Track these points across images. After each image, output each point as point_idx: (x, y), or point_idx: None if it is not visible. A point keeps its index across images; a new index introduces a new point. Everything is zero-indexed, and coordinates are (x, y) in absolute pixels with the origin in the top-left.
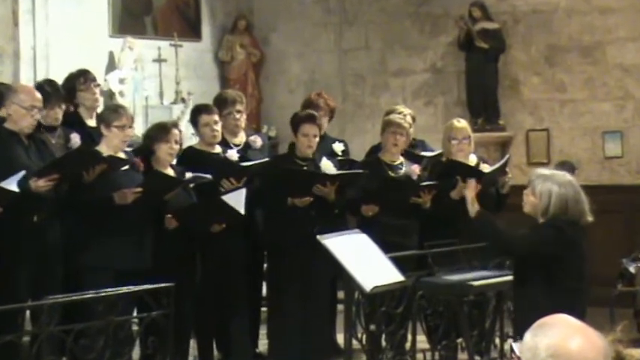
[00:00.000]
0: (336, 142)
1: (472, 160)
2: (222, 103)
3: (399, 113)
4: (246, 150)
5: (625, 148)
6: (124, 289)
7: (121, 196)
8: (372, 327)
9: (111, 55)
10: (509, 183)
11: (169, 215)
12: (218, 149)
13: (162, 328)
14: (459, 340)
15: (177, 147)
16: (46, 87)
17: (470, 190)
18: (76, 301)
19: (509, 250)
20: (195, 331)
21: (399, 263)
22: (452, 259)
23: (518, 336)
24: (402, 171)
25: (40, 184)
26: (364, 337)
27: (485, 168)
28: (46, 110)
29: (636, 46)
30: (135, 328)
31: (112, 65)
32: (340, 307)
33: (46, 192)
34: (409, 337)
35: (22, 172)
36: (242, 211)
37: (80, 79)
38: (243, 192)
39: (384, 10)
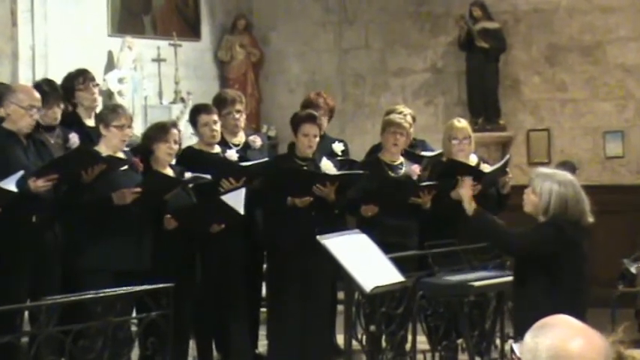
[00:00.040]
0: (336, 142)
1: (472, 160)
2: (221, 103)
3: (400, 113)
4: (245, 150)
5: (626, 148)
6: (123, 290)
7: (120, 196)
8: (372, 327)
9: (110, 55)
10: (510, 183)
11: (169, 215)
12: (217, 149)
13: (162, 328)
14: (460, 341)
15: (176, 147)
16: (44, 86)
17: (466, 189)
18: (74, 301)
19: (509, 248)
20: (194, 331)
21: (399, 264)
22: (452, 260)
23: (519, 337)
24: (402, 171)
25: (39, 184)
26: (364, 337)
27: (486, 168)
28: (45, 110)
29: (637, 45)
30: (134, 328)
31: (110, 65)
32: (340, 307)
33: (45, 192)
34: (409, 337)
35: (21, 172)
36: (241, 211)
37: (79, 78)
38: (242, 192)
39: (385, 9)
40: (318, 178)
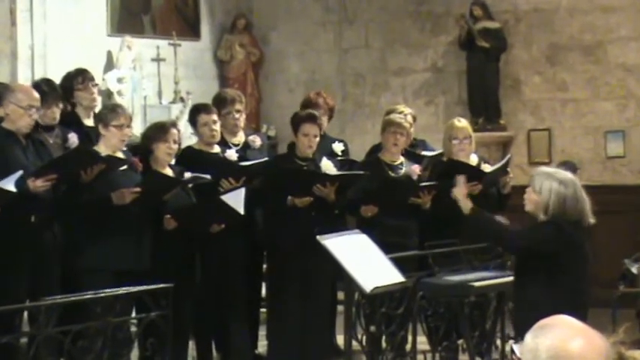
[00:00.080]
0: (336, 142)
1: (473, 160)
2: (221, 103)
3: (400, 113)
4: (245, 150)
5: (627, 147)
6: (123, 290)
7: (119, 196)
8: (373, 328)
9: (109, 55)
10: (511, 183)
11: (168, 216)
12: (217, 149)
13: (161, 329)
14: (460, 342)
15: (175, 147)
16: (42, 86)
17: (459, 188)
18: (74, 302)
19: (509, 246)
20: (194, 331)
21: (400, 264)
22: (453, 260)
23: (519, 337)
24: (403, 171)
25: (38, 184)
26: (364, 338)
27: (487, 168)
28: (44, 110)
29: (638, 45)
30: (133, 329)
31: (110, 64)
32: (340, 308)
33: (44, 192)
34: (409, 338)
35: (20, 172)
36: (241, 211)
37: (78, 78)
38: (242, 192)
39: (385, 8)
40: (318, 178)
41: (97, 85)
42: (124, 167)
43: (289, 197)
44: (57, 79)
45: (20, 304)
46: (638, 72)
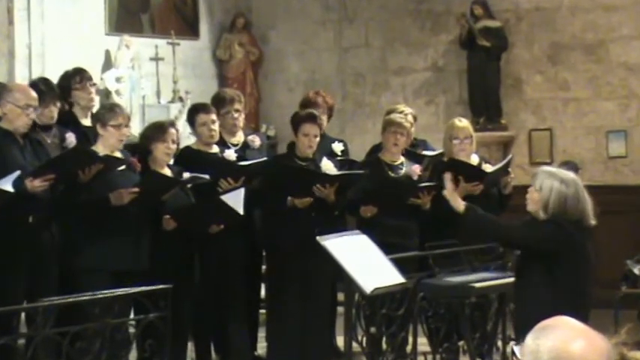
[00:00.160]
0: (336, 142)
1: (474, 160)
2: (220, 102)
3: (400, 112)
4: (244, 150)
5: (629, 147)
6: (121, 291)
7: (117, 196)
8: (373, 329)
9: (107, 54)
10: (512, 183)
11: (167, 216)
12: (216, 149)
13: (160, 330)
14: (461, 343)
15: (174, 147)
16: (40, 85)
17: (448, 188)
18: (71, 303)
19: (509, 242)
20: (192, 332)
21: (400, 265)
22: (453, 261)
23: (520, 338)
24: (403, 171)
25: (36, 184)
26: (364, 339)
27: (488, 168)
28: (41, 109)
29: None
30: (132, 330)
31: (108, 64)
32: (340, 309)
33: (42, 192)
34: (410, 339)
35: (17, 172)
36: (241, 211)
37: (76, 77)
38: (241, 192)
39: (385, 7)
40: (318, 178)
41: (94, 84)
42: (123, 167)
43: (289, 198)
44: (55, 79)
45: (18, 305)
46: None
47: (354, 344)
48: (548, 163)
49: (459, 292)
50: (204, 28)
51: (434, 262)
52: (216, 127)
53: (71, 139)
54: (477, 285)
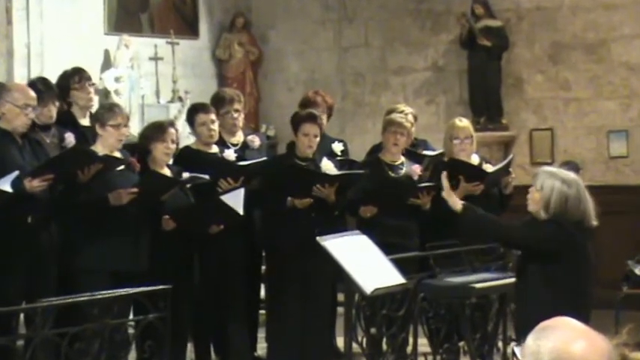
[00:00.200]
0: (336, 142)
1: (474, 160)
2: (219, 102)
3: (401, 112)
4: (244, 150)
5: (630, 147)
6: (120, 292)
7: (117, 196)
8: (373, 330)
9: (106, 53)
10: (513, 183)
11: (167, 216)
12: (215, 149)
13: (159, 331)
14: (461, 344)
15: (173, 146)
16: (39, 85)
17: (446, 188)
18: (70, 303)
19: (509, 242)
20: (192, 333)
21: (400, 265)
22: (454, 261)
23: (521, 339)
24: (403, 171)
25: (35, 184)
26: (365, 340)
27: (488, 168)
28: (40, 109)
29: None
30: (131, 331)
31: (107, 63)
32: (340, 309)
33: (41, 192)
34: (410, 340)
35: (16, 173)
36: (241, 211)
37: (75, 77)
38: (241, 192)
39: (384, 6)
40: (318, 178)
41: (93, 84)
42: (122, 167)
43: (289, 198)
44: (53, 78)
45: (16, 306)
46: None
47: (354, 345)
48: (549, 163)
49: (459, 292)
50: (203, 27)
51: (434, 262)
52: (215, 127)
53: (70, 139)
54: (478, 285)
